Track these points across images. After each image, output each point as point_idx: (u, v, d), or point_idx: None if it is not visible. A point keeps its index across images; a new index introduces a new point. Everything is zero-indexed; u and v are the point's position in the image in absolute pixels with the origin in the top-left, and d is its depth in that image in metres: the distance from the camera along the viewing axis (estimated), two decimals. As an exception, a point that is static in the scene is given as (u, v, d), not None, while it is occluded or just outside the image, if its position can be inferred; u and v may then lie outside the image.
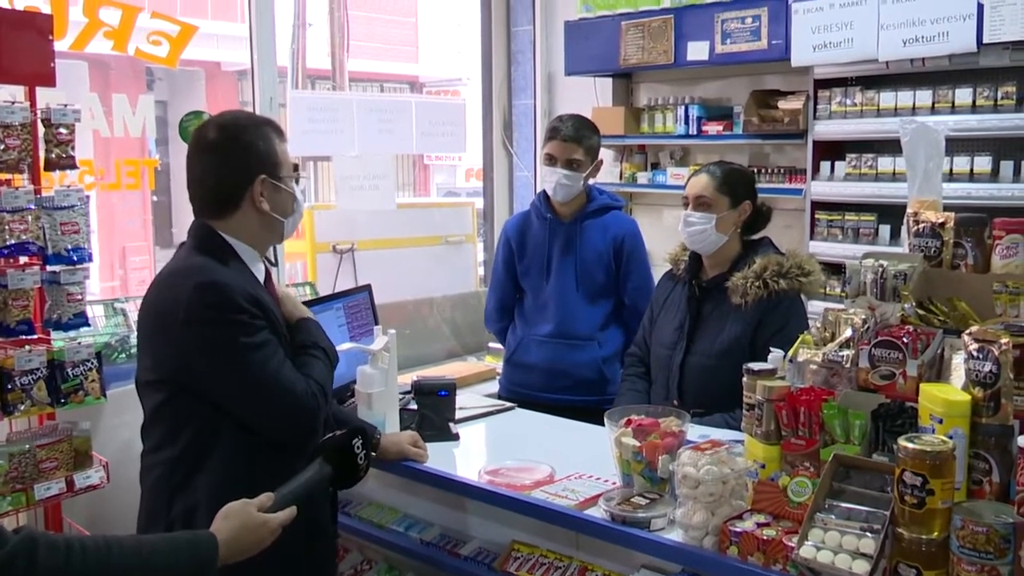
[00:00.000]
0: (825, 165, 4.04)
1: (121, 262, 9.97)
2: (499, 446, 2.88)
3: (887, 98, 3.78)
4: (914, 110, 3.69)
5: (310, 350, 2.14)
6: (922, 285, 2.10)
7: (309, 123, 4.34)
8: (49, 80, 3.07)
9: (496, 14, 5.40)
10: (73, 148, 3.07)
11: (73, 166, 3.09)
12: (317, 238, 4.59)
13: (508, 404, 3.17)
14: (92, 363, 3.07)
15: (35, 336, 3.05)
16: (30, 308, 3.00)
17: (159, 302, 2.06)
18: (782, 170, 4.28)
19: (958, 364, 1.88)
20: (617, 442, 2.25)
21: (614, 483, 2.28)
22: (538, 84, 5.32)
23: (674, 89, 4.79)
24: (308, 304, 2.81)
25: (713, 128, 4.47)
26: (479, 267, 5.45)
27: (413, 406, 2.81)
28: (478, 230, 5.45)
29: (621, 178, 4.91)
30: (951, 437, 1.72)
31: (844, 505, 1.81)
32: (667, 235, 3.65)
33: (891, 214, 3.77)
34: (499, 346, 4.34)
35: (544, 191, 3.43)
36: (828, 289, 3.76)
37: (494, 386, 3.79)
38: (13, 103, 2.93)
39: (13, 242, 2.91)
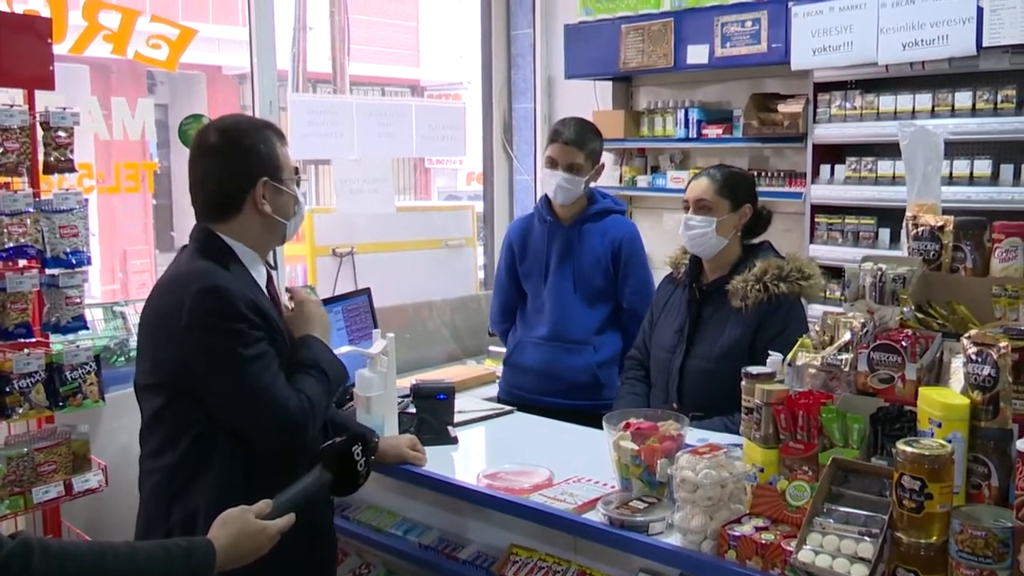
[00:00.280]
0: (825, 168, 4.04)
1: (122, 265, 9.98)
2: (498, 450, 2.88)
3: (887, 101, 3.78)
4: (914, 113, 3.69)
5: (309, 369, 2.11)
6: (921, 289, 2.10)
7: (309, 126, 4.34)
8: (48, 83, 3.07)
9: (496, 18, 5.40)
10: (72, 151, 3.07)
11: (72, 169, 3.10)
12: (317, 241, 4.58)
13: (507, 408, 3.16)
14: (91, 366, 3.07)
15: (33, 339, 3.05)
16: (29, 311, 3.00)
17: (161, 306, 2.06)
18: (782, 173, 4.28)
19: (957, 368, 1.88)
20: (616, 446, 2.25)
21: (612, 487, 2.28)
22: (538, 87, 5.32)
23: (674, 92, 4.80)
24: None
25: (713, 131, 4.47)
26: (479, 271, 5.45)
27: (412, 410, 2.80)
28: (478, 234, 5.45)
29: (621, 181, 4.91)
30: (950, 441, 1.71)
31: (843, 509, 1.80)
32: (667, 238, 3.65)
33: (891, 218, 3.76)
34: (498, 349, 4.34)
35: (546, 194, 3.43)
36: (828, 293, 3.75)
37: (493, 390, 3.79)
38: (12, 106, 2.93)
39: (12, 245, 2.91)
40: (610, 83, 4.99)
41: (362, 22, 12.91)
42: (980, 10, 3.34)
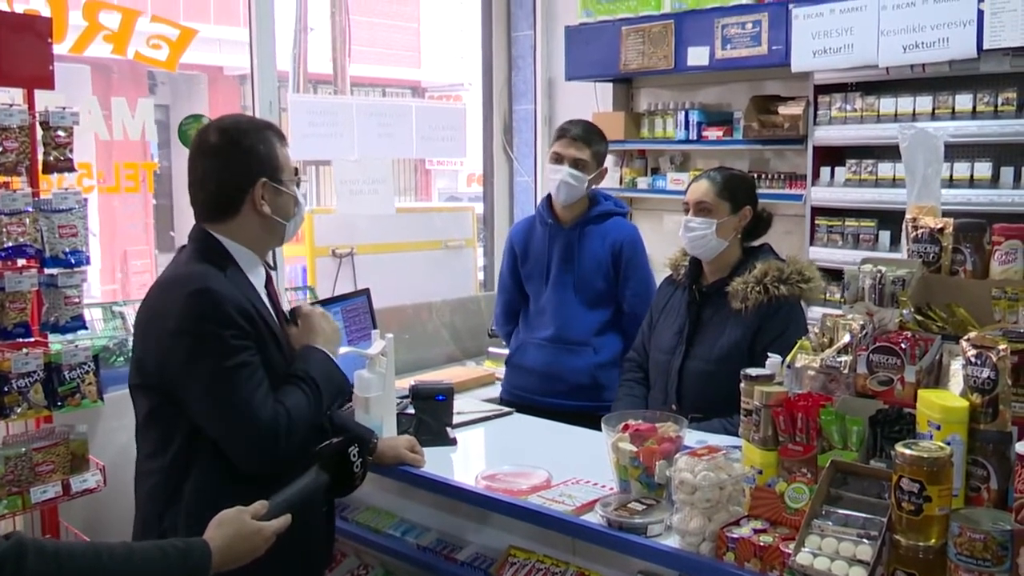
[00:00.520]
0: (825, 171, 4.04)
1: (122, 265, 9.98)
2: (496, 451, 2.87)
3: (887, 104, 3.78)
4: (914, 116, 3.69)
5: (299, 381, 2.07)
6: (920, 291, 2.09)
7: (309, 127, 4.34)
8: (48, 83, 3.07)
9: (497, 19, 5.40)
10: (71, 151, 3.07)
11: (71, 169, 3.10)
12: (317, 242, 4.58)
13: (506, 409, 3.16)
14: (89, 366, 3.07)
15: (32, 339, 3.04)
16: (27, 311, 2.99)
17: (154, 308, 2.05)
18: (782, 176, 4.28)
19: (956, 370, 1.88)
20: (614, 447, 2.24)
21: (611, 488, 2.28)
22: (539, 89, 5.32)
23: (674, 94, 4.80)
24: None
25: (713, 133, 4.47)
26: (479, 272, 5.45)
27: (411, 410, 2.80)
28: (478, 235, 5.45)
29: (621, 183, 4.91)
30: (949, 443, 1.71)
31: (841, 511, 1.80)
32: (667, 240, 3.65)
33: (891, 220, 3.76)
34: (497, 351, 4.35)
35: (548, 196, 3.44)
36: (827, 295, 3.75)
37: (493, 391, 3.79)
38: (11, 105, 2.93)
39: (11, 244, 2.91)
40: (610, 85, 4.99)
41: (363, 23, 12.90)
42: (981, 13, 3.34)
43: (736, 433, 2.33)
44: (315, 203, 9.60)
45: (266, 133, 2.13)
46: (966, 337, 1.81)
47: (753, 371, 2.18)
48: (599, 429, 2.33)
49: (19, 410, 2.92)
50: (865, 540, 1.73)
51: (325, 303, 3.10)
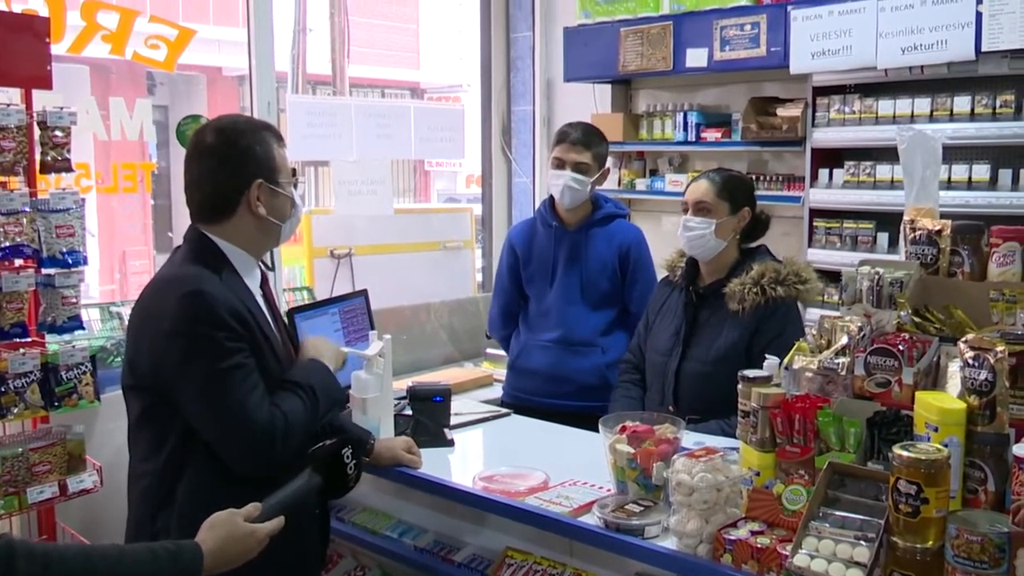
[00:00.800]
0: (823, 172, 4.04)
1: (120, 266, 9.97)
2: (494, 452, 2.87)
3: (885, 106, 3.78)
4: (912, 118, 3.69)
5: (299, 388, 2.06)
6: (918, 293, 2.09)
7: (308, 128, 4.34)
8: (45, 83, 3.07)
9: (496, 20, 5.40)
10: (69, 151, 3.07)
11: (69, 169, 3.09)
12: (315, 243, 4.58)
13: (503, 410, 3.16)
14: (86, 366, 3.07)
15: (29, 339, 3.04)
16: (24, 311, 2.99)
17: (147, 309, 2.04)
18: (780, 177, 4.28)
19: (954, 372, 1.88)
20: (612, 449, 2.24)
21: (608, 490, 2.28)
22: (537, 90, 5.32)
23: (673, 96, 4.80)
24: (304, 309, 2.81)
25: (712, 135, 4.47)
26: (477, 273, 5.45)
27: (408, 411, 2.80)
28: (476, 236, 5.45)
29: (619, 184, 4.90)
30: (946, 445, 1.71)
31: (839, 513, 1.80)
32: (665, 241, 3.65)
33: (889, 222, 3.76)
34: (496, 352, 4.34)
35: (549, 199, 3.44)
36: (825, 296, 3.75)
37: (491, 392, 3.79)
38: (9, 105, 2.93)
39: (8, 244, 2.91)
40: (609, 86, 4.99)
41: (362, 24, 12.89)
42: (979, 15, 3.34)
43: (733, 435, 2.33)
44: (313, 204, 9.59)
45: (263, 134, 2.12)
46: (964, 339, 1.81)
47: (751, 373, 2.17)
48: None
49: (16, 410, 2.92)
50: (862, 542, 1.72)
51: (323, 304, 3.10)
